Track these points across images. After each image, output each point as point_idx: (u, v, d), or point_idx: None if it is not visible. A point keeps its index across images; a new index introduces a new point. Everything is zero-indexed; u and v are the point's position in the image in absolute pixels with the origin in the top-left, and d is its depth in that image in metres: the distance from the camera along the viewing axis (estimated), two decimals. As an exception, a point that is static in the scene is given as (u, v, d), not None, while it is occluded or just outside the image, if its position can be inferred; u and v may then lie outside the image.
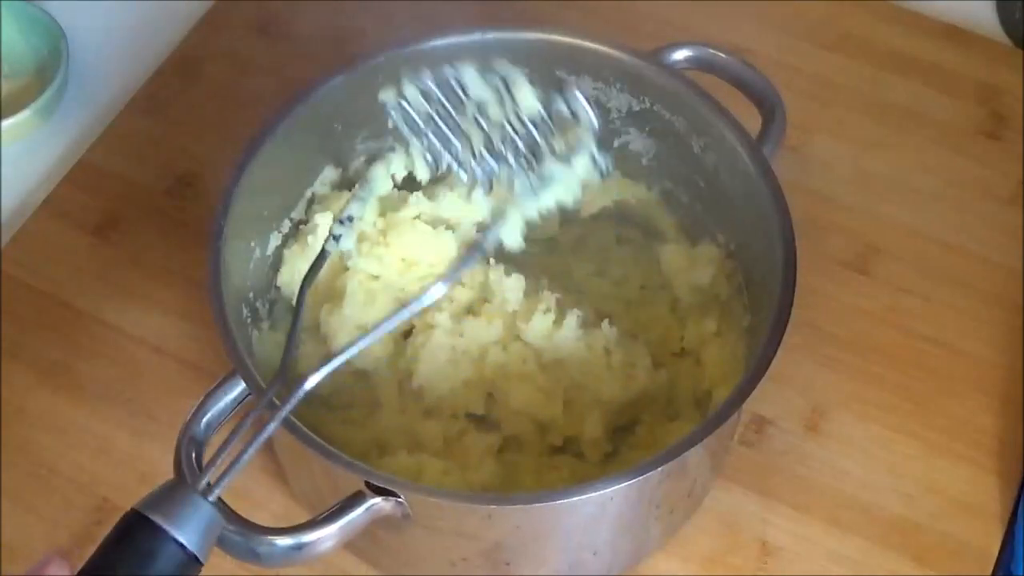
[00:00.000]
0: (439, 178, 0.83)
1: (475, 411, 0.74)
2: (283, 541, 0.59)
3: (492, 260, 0.77)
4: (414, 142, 0.68)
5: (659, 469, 0.62)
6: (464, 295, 0.76)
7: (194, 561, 0.53)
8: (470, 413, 0.74)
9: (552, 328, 0.73)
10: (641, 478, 0.61)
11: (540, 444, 0.74)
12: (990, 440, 0.80)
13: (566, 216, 0.84)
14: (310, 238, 0.76)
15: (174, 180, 0.90)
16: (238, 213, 0.69)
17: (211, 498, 0.55)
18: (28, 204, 0.89)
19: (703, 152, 0.76)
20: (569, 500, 0.62)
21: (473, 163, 0.67)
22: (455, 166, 0.68)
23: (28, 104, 0.89)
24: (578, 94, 0.63)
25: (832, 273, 0.86)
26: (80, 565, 0.52)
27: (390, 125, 0.70)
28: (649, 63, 0.75)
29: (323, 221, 0.76)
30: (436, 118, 0.67)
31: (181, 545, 0.52)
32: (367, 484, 0.61)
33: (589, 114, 0.63)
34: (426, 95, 0.66)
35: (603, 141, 0.80)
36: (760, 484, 0.78)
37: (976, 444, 0.80)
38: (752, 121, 0.75)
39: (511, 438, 0.74)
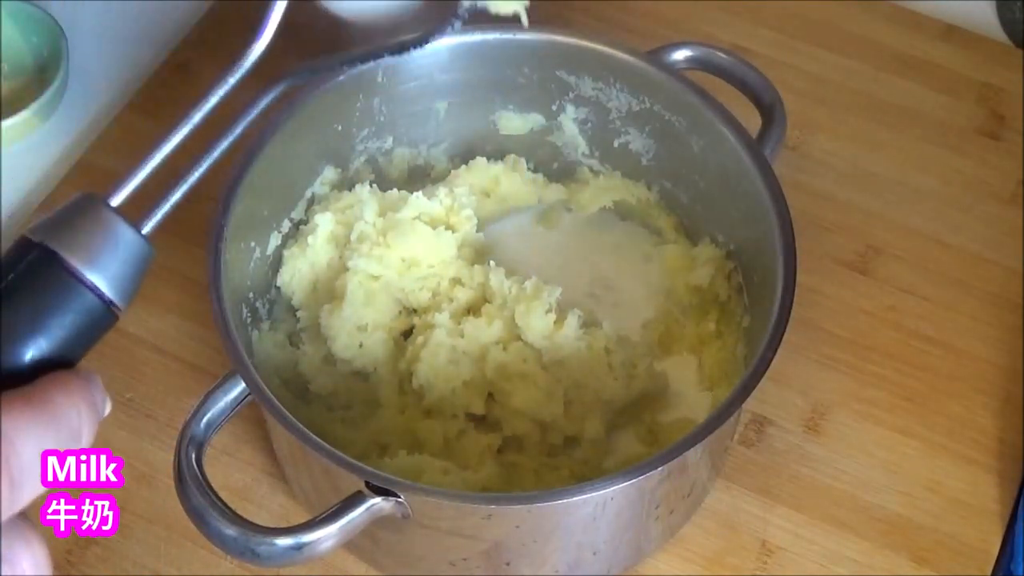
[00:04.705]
0: (435, 177, 0.83)
1: (475, 411, 0.74)
2: (283, 541, 0.59)
3: (492, 262, 0.77)
4: None
5: (659, 469, 0.62)
6: (464, 295, 0.76)
7: (110, 313, 0.42)
8: (470, 413, 0.74)
9: (553, 328, 0.73)
10: (641, 478, 0.61)
11: (540, 444, 0.74)
12: (990, 440, 0.80)
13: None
14: (310, 238, 0.76)
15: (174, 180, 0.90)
16: (238, 213, 0.69)
17: (146, 229, 0.44)
18: (28, 204, 0.89)
19: (703, 152, 0.76)
20: (569, 500, 0.62)
21: None
22: None
23: (28, 104, 0.89)
24: None
25: (832, 273, 0.86)
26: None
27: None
28: (649, 63, 0.76)
29: (323, 221, 0.76)
30: None
31: (96, 292, 0.41)
32: (367, 484, 0.61)
33: None
34: None
35: (603, 142, 0.81)
36: (760, 484, 0.78)
37: (976, 444, 0.80)
38: (752, 121, 0.75)
39: (511, 438, 0.74)
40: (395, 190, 0.80)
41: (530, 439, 0.74)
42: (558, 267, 0.81)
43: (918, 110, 0.95)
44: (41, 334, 0.40)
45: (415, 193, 0.78)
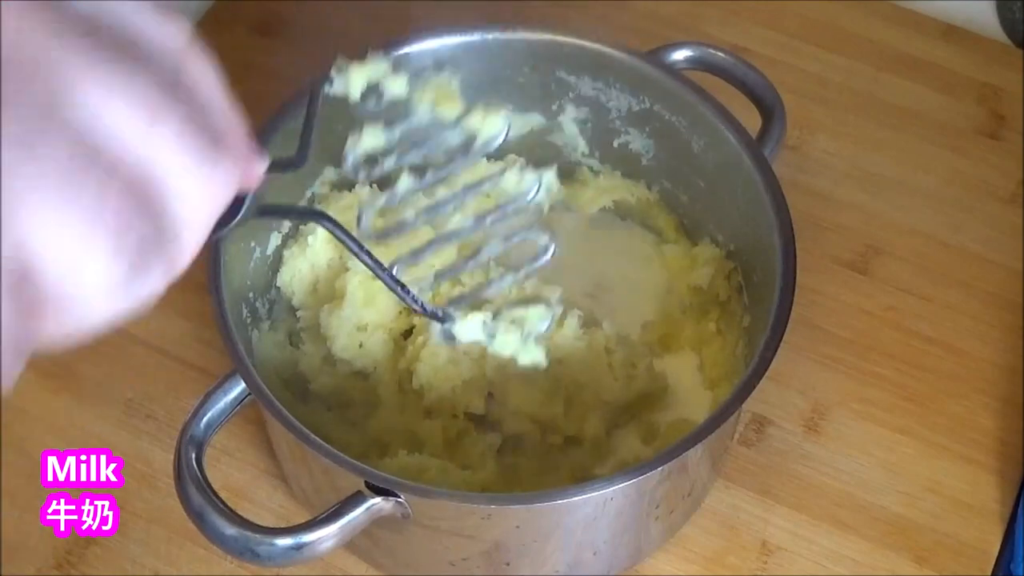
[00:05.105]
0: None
1: (475, 411, 0.74)
2: (283, 541, 0.59)
3: (493, 262, 0.77)
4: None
5: (659, 469, 0.62)
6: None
7: None
8: (470, 413, 0.74)
9: (553, 328, 0.73)
10: (641, 478, 0.61)
11: (540, 444, 0.74)
12: (990, 440, 0.80)
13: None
14: (310, 238, 0.76)
15: (174, 180, 0.90)
16: (238, 213, 0.69)
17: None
18: (28, 204, 0.89)
19: (703, 152, 0.76)
20: (569, 500, 0.62)
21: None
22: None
23: (28, 104, 0.89)
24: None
25: (832, 273, 0.86)
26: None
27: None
28: (649, 63, 0.76)
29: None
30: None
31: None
32: (367, 484, 0.61)
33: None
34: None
35: (603, 142, 0.81)
36: (760, 484, 0.78)
37: (976, 444, 0.80)
38: (752, 121, 0.75)
39: (511, 438, 0.74)
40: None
41: (530, 439, 0.74)
42: (558, 267, 0.81)
43: (918, 110, 0.95)
44: None
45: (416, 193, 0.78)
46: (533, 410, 0.73)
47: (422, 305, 0.60)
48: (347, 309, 0.74)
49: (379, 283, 0.75)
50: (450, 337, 0.63)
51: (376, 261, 0.59)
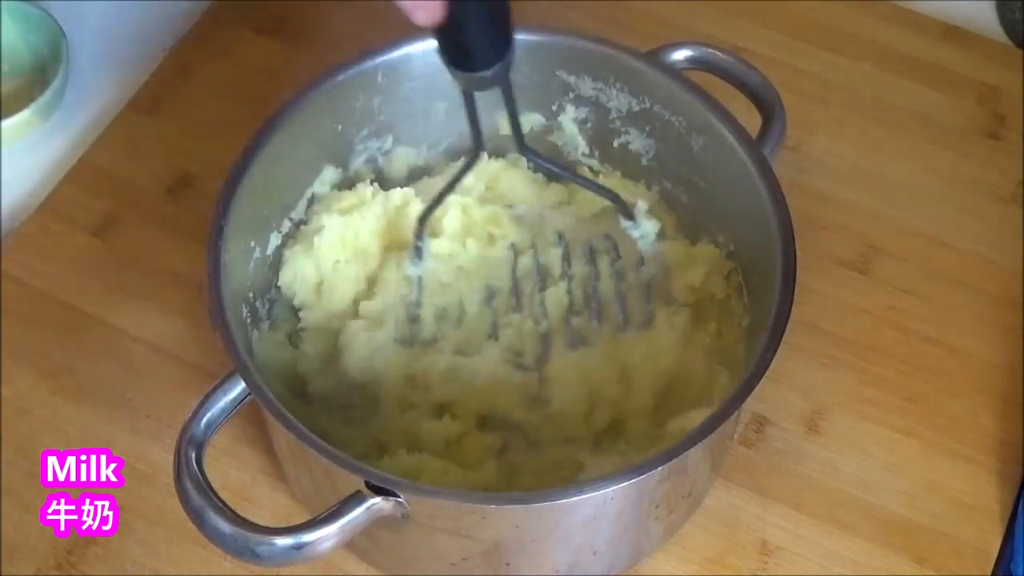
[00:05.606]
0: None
1: (516, 418, 0.73)
2: (283, 541, 0.59)
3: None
4: None
5: (659, 469, 0.62)
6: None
7: None
8: (480, 415, 0.74)
9: None
10: (641, 477, 0.61)
11: (541, 444, 0.74)
12: (990, 440, 0.80)
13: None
14: (316, 239, 0.76)
15: (174, 180, 0.90)
16: (238, 213, 0.69)
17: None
18: (28, 204, 0.89)
19: (703, 152, 0.76)
20: (569, 500, 0.62)
21: None
22: None
23: (28, 104, 0.89)
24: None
25: (832, 273, 0.86)
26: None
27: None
28: (649, 63, 0.75)
29: (330, 223, 0.76)
30: None
31: None
32: (367, 484, 0.61)
33: None
34: None
35: (603, 142, 0.81)
36: (760, 484, 0.78)
37: (976, 444, 0.80)
38: (752, 121, 0.75)
39: (512, 438, 0.74)
40: (398, 189, 0.79)
41: (531, 439, 0.73)
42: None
43: (918, 110, 0.95)
44: None
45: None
46: (587, 376, 0.73)
47: (615, 195, 0.74)
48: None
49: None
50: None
51: (587, 180, 0.76)
